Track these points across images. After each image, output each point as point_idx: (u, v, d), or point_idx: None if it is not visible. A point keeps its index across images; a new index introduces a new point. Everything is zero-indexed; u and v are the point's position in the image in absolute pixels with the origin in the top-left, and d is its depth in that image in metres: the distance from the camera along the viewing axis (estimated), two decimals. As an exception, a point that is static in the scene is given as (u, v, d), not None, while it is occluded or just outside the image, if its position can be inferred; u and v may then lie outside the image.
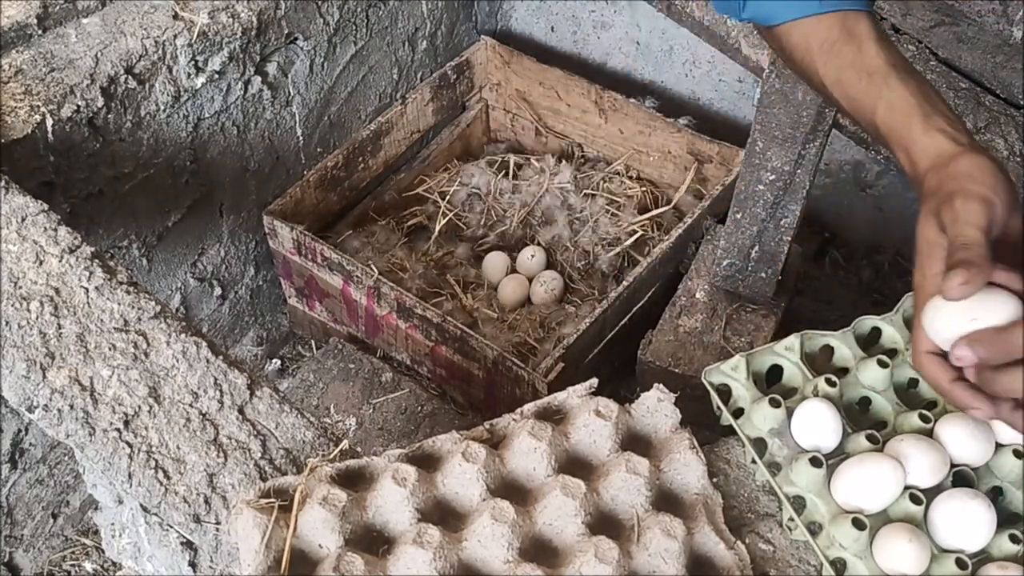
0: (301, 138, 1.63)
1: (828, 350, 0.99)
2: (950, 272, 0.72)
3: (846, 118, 1.03)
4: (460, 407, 1.56)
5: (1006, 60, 1.41)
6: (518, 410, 0.90)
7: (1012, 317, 0.72)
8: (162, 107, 1.34)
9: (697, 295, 1.46)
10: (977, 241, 0.74)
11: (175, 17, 1.33)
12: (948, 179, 0.79)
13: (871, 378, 0.93)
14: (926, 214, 0.78)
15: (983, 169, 0.78)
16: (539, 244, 1.77)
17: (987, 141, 1.38)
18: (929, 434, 0.90)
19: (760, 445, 0.91)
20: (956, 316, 0.73)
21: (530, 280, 1.72)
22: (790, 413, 0.92)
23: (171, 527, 0.89)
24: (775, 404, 0.90)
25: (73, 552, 1.55)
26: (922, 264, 0.78)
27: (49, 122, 1.20)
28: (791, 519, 0.87)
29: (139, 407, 0.91)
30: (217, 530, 0.86)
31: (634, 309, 1.56)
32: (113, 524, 1.04)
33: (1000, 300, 0.73)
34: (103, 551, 1.36)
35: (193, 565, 0.91)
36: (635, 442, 0.90)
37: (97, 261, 1.00)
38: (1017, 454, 0.89)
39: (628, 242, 1.71)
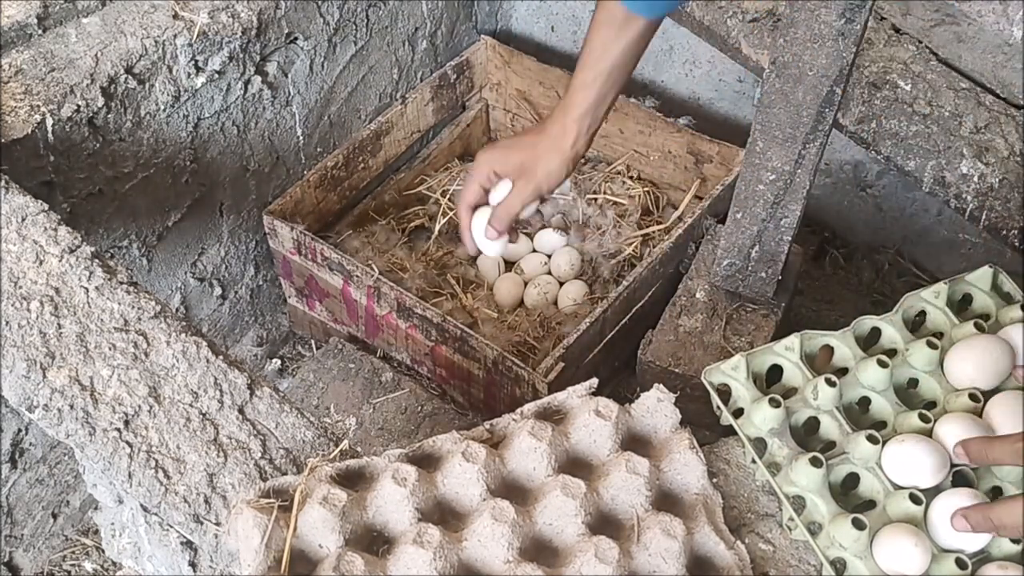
0: (301, 138, 1.63)
1: (828, 350, 0.99)
2: None
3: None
4: (460, 407, 1.56)
5: (1006, 60, 1.41)
6: (518, 410, 0.91)
7: None
8: (162, 107, 1.34)
9: (697, 295, 1.46)
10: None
11: (175, 17, 1.33)
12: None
13: (871, 378, 0.94)
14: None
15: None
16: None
17: (987, 141, 1.38)
18: (929, 434, 0.90)
19: (760, 445, 0.91)
20: None
21: (526, 282, 1.72)
22: (790, 413, 0.92)
23: (171, 527, 0.89)
24: (775, 404, 0.90)
25: (73, 552, 1.55)
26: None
27: (49, 122, 1.20)
28: (791, 519, 0.87)
29: (139, 407, 0.91)
30: (217, 530, 0.86)
31: (634, 309, 1.56)
32: (113, 524, 1.04)
33: None
34: (103, 551, 1.36)
35: (193, 565, 0.91)
36: (635, 442, 0.90)
37: (97, 261, 1.00)
38: (1017, 454, 0.89)
39: (628, 251, 1.71)
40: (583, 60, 1.19)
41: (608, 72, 1.16)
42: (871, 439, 0.88)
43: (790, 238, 1.32)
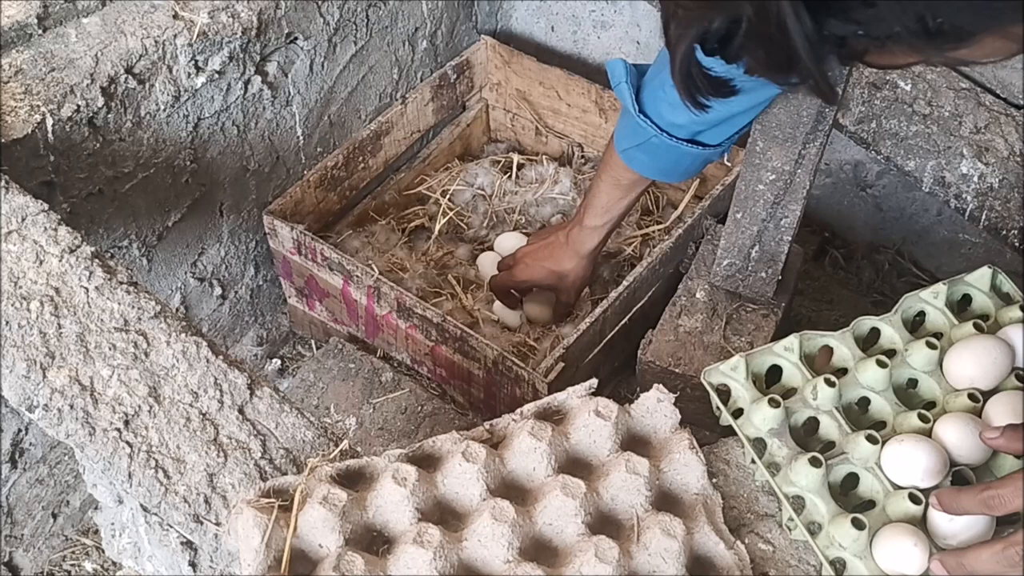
0: (301, 138, 1.63)
1: (827, 350, 0.99)
2: None
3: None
4: (460, 407, 1.56)
5: (1006, 60, 1.41)
6: (518, 410, 0.91)
7: None
8: (162, 107, 1.35)
9: (697, 295, 1.46)
10: None
11: (175, 17, 1.33)
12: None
13: (870, 378, 0.94)
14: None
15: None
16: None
17: (987, 141, 1.38)
18: (928, 434, 0.90)
19: (759, 445, 0.91)
20: None
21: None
22: (789, 414, 0.92)
23: (171, 527, 0.89)
24: (774, 404, 0.90)
25: (73, 552, 1.55)
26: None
27: (49, 122, 1.20)
28: (790, 519, 0.87)
29: (139, 407, 0.91)
30: (217, 530, 0.86)
31: (634, 309, 1.56)
32: (113, 524, 1.04)
33: None
34: (103, 551, 1.36)
35: (193, 565, 0.91)
36: (635, 442, 0.90)
37: (97, 261, 1.00)
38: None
39: (628, 251, 1.71)
40: (593, 207, 1.44)
41: (614, 219, 1.46)
42: (870, 439, 0.88)
43: (790, 238, 1.32)
